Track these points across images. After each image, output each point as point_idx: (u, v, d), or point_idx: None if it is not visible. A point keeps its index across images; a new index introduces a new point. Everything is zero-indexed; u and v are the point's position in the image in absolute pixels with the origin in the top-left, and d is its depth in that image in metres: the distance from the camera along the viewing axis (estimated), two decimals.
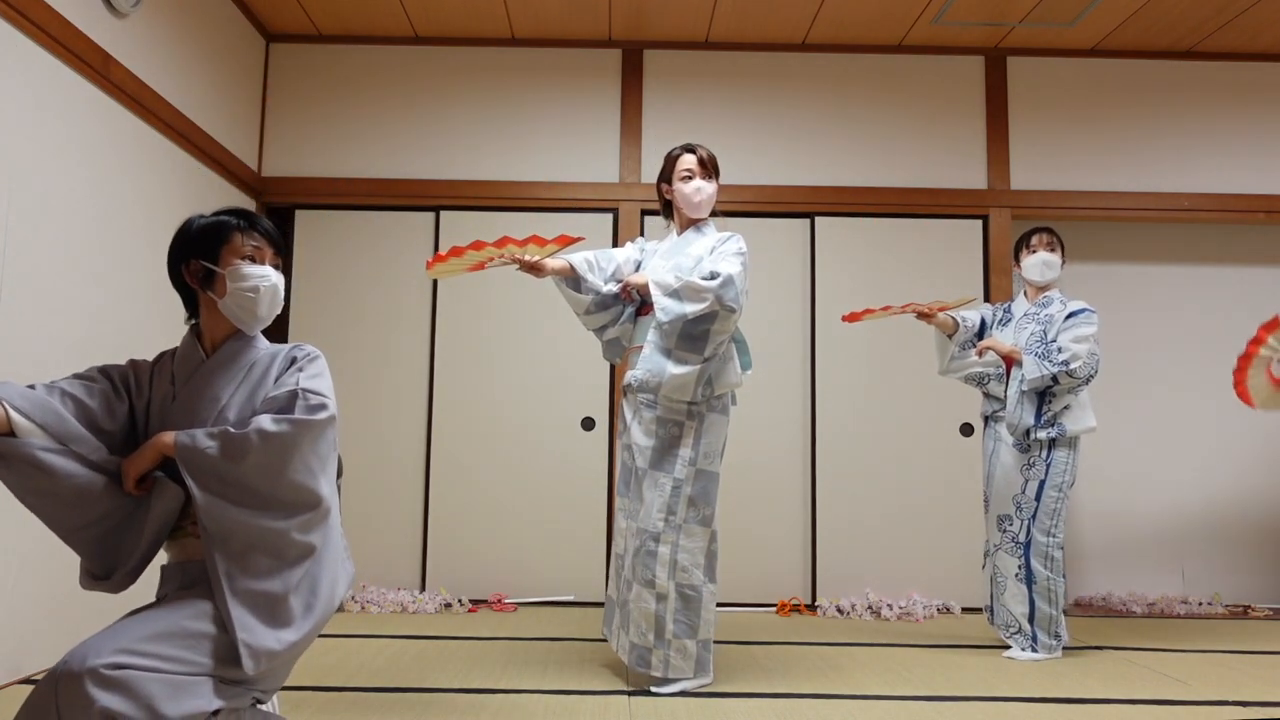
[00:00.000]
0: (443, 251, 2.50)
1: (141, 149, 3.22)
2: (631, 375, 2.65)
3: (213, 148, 3.70)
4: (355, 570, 1.80)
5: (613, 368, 4.05)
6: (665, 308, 2.52)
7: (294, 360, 1.72)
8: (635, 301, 2.77)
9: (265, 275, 1.72)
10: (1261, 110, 4.38)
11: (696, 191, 2.74)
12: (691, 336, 2.55)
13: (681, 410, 2.61)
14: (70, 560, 2.72)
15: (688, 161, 2.75)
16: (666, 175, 2.82)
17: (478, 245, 2.42)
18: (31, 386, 1.56)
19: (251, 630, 1.49)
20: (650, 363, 2.57)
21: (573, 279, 2.70)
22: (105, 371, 1.68)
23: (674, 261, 2.71)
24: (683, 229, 2.83)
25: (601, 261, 2.76)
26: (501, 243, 2.43)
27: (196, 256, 1.72)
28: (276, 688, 1.68)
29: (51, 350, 2.70)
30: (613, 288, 2.73)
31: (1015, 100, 4.38)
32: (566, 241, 2.46)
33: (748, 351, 2.75)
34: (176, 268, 1.75)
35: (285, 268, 1.82)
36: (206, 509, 1.52)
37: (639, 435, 2.65)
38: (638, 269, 2.82)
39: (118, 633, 1.43)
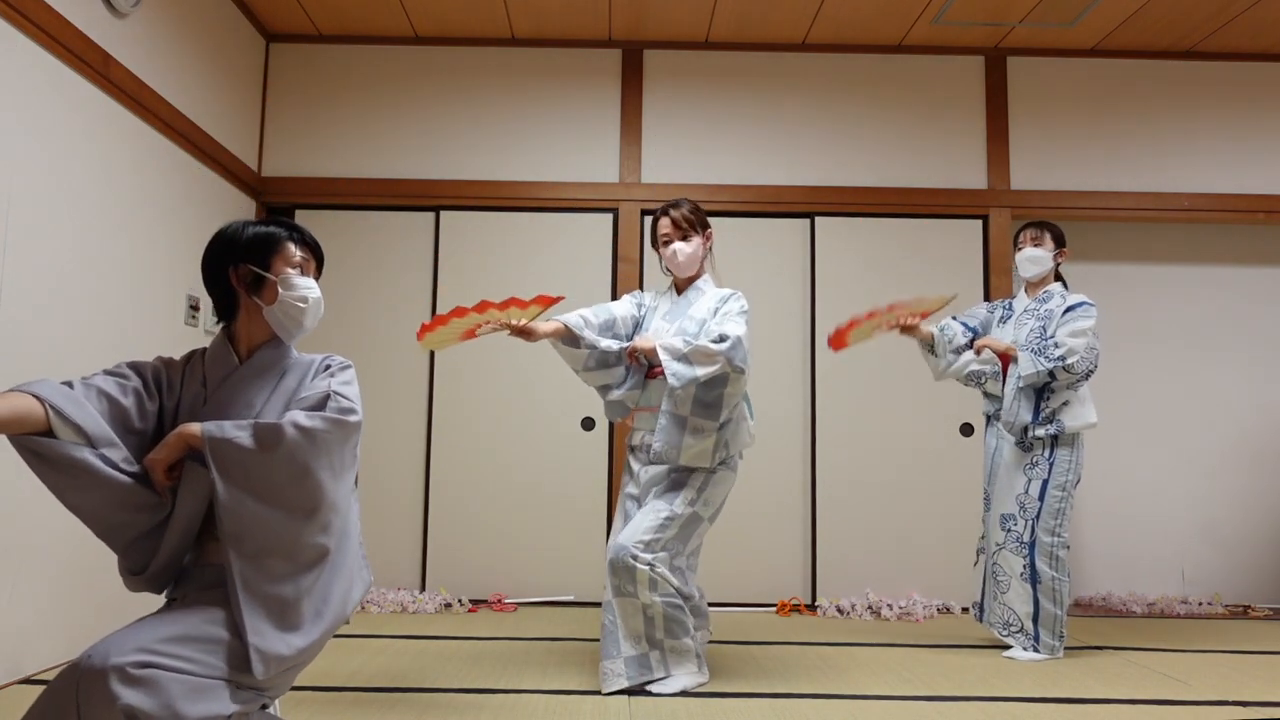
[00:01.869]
0: (427, 322, 2.51)
1: (141, 149, 3.22)
2: (650, 442, 2.67)
3: (213, 148, 3.70)
4: (372, 579, 1.81)
5: None
6: (676, 373, 2.53)
7: (328, 367, 1.77)
8: (643, 366, 2.78)
9: (312, 287, 1.77)
10: (1261, 110, 4.39)
11: (674, 255, 2.78)
12: (705, 404, 2.59)
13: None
14: (71, 561, 2.73)
15: (663, 225, 2.80)
16: (653, 239, 2.86)
17: (459, 311, 2.42)
18: (69, 384, 1.56)
19: (263, 634, 1.50)
20: (666, 436, 2.61)
21: (569, 337, 2.69)
22: (138, 369, 1.68)
23: (677, 325, 2.73)
24: (682, 289, 2.85)
25: (597, 317, 2.76)
26: (481, 307, 2.42)
27: (247, 261, 1.73)
28: (284, 691, 1.68)
29: (51, 349, 2.70)
30: (611, 344, 2.71)
31: (1015, 100, 4.38)
32: (547, 302, 2.45)
33: (750, 405, 2.80)
34: (222, 270, 1.74)
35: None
36: (226, 502, 1.51)
37: (649, 483, 2.70)
38: (636, 326, 2.84)
39: (138, 632, 1.43)
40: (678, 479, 2.65)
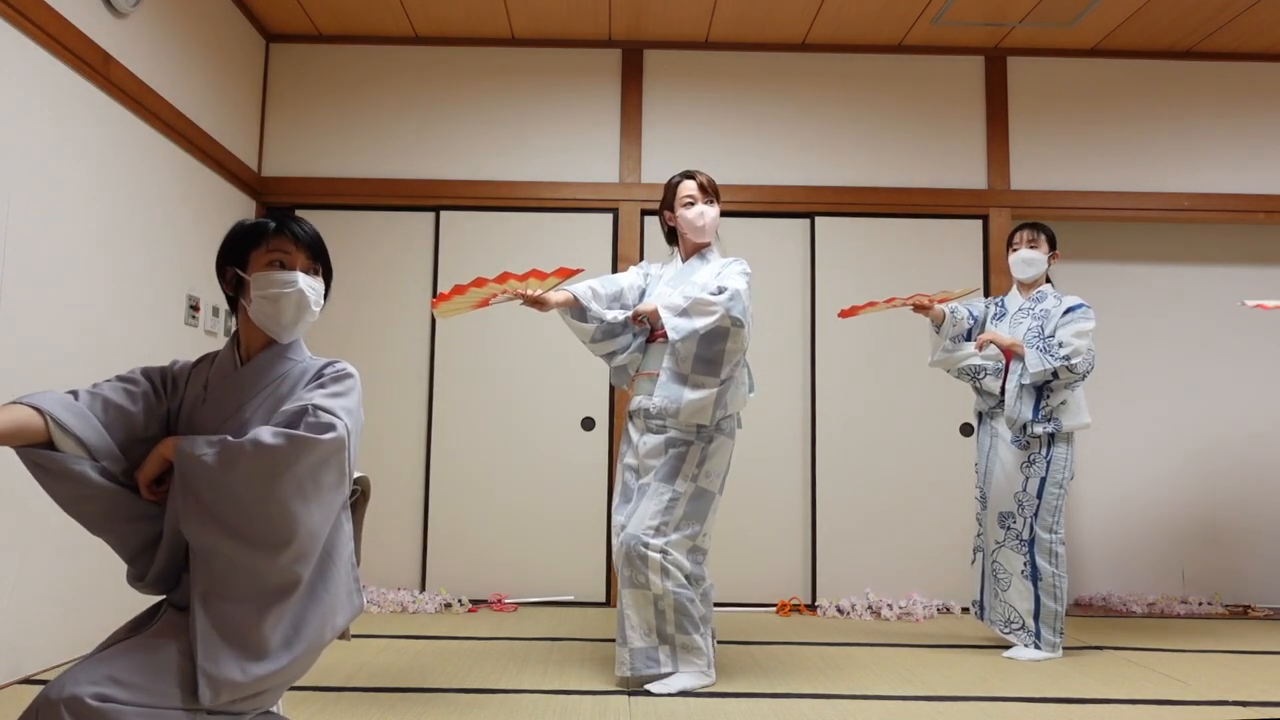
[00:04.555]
0: (445, 291, 2.52)
1: (141, 149, 3.22)
2: (650, 401, 2.68)
3: (213, 148, 3.70)
4: (363, 603, 1.75)
5: None
6: (676, 327, 2.55)
7: (321, 376, 1.66)
8: (646, 329, 2.79)
9: (290, 282, 1.65)
10: (1261, 110, 4.38)
11: (699, 216, 2.78)
12: (706, 360, 2.60)
13: (691, 430, 2.65)
14: (71, 561, 2.73)
15: (688, 188, 2.80)
16: (669, 202, 2.86)
17: (479, 282, 2.44)
18: (74, 393, 1.53)
19: (217, 660, 1.44)
20: (667, 390, 2.62)
21: (578, 309, 2.71)
22: (148, 374, 1.65)
23: (680, 290, 2.74)
24: (687, 256, 2.86)
25: (605, 289, 2.78)
26: (502, 278, 2.45)
27: (230, 263, 1.68)
28: (272, 704, 1.64)
29: (51, 349, 2.70)
30: (618, 315, 2.74)
31: (1015, 100, 4.38)
32: (566, 274, 2.48)
33: (750, 374, 2.81)
34: (220, 275, 1.71)
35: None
36: (189, 520, 1.48)
37: (647, 455, 2.69)
38: (642, 295, 2.86)
39: (101, 662, 1.40)
40: (676, 455, 2.63)
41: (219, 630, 1.46)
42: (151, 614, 1.63)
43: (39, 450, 1.46)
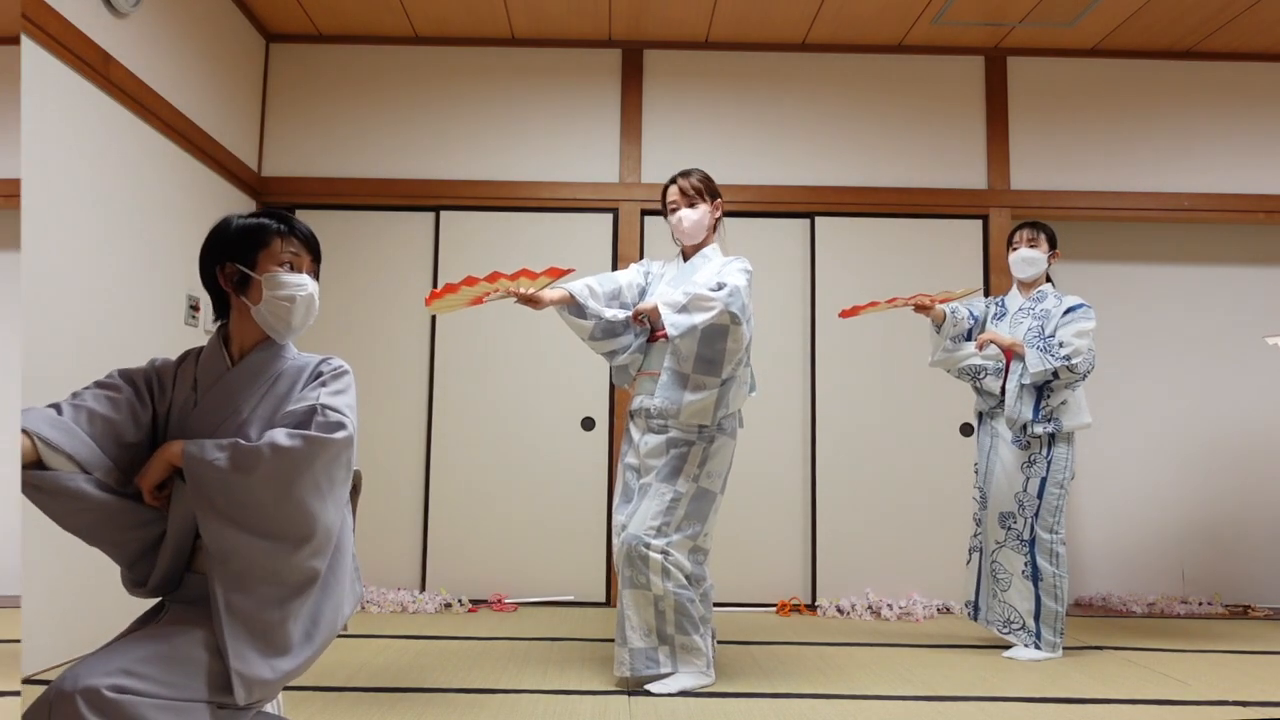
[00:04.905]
0: (438, 288, 2.52)
1: (141, 149, 3.22)
2: (651, 401, 2.68)
3: (213, 148, 3.70)
4: (362, 591, 1.77)
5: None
6: (675, 323, 2.55)
7: (319, 375, 1.67)
8: (647, 329, 2.79)
9: (302, 284, 1.67)
10: (1261, 110, 4.39)
11: (679, 221, 2.81)
12: (708, 360, 2.59)
13: (692, 430, 2.65)
14: (72, 563, 2.73)
15: (671, 193, 2.83)
16: (663, 206, 2.89)
17: (470, 281, 2.44)
18: (55, 406, 1.52)
19: (246, 659, 1.45)
20: (668, 392, 2.62)
21: (574, 306, 2.71)
22: (129, 377, 1.63)
23: (681, 290, 2.74)
24: (688, 255, 2.88)
25: (603, 286, 2.78)
26: (492, 278, 2.45)
27: (232, 259, 1.66)
28: (272, 699, 1.65)
29: (51, 349, 2.70)
30: (616, 313, 2.74)
31: (1015, 100, 4.38)
32: (557, 274, 2.47)
33: (753, 373, 2.81)
34: (210, 268, 1.69)
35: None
36: (206, 524, 1.48)
37: (648, 455, 2.69)
38: (642, 293, 2.86)
39: (115, 653, 1.40)
40: (678, 455, 2.63)
41: (245, 631, 1.47)
42: (156, 611, 1.64)
43: (31, 471, 1.46)
